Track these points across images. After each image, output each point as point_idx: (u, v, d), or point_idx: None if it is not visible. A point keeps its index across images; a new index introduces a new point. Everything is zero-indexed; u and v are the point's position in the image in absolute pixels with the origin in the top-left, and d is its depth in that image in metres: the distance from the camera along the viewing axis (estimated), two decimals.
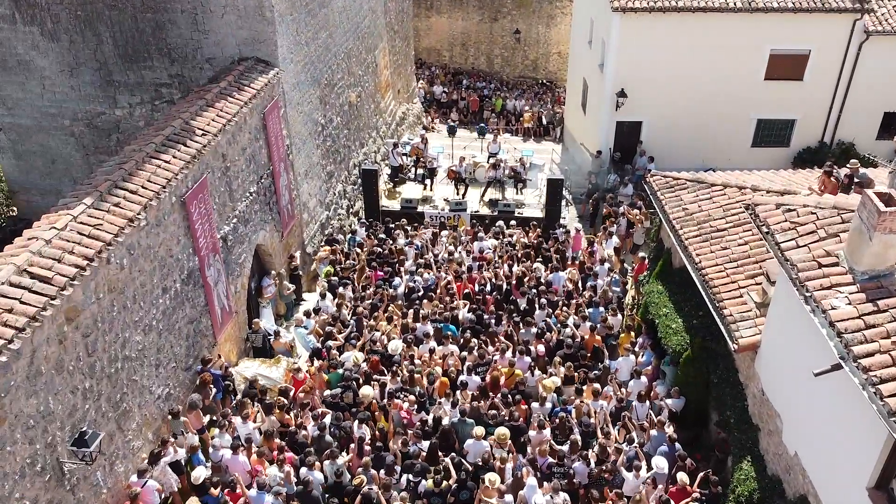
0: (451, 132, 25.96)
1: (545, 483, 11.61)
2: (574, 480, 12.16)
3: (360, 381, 13.92)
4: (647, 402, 13.70)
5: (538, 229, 19.89)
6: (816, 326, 9.00)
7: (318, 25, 19.10)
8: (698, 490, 11.67)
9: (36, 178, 19.26)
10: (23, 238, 10.07)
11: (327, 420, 12.70)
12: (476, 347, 14.87)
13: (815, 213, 10.16)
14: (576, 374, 14.25)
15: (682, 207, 15.48)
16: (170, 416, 12.00)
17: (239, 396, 13.54)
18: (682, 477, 11.84)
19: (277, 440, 12.42)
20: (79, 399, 9.83)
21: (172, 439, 11.68)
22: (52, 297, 9.17)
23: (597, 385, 13.98)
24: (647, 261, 17.55)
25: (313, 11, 18.72)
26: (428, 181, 23.25)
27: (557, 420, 13.06)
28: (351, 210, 22.71)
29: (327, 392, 13.63)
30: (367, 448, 12.31)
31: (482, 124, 30.29)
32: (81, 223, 10.40)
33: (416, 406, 13.32)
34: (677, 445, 12.42)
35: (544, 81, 38.39)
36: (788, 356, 10.76)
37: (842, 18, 21.83)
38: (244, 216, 15.05)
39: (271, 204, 16.42)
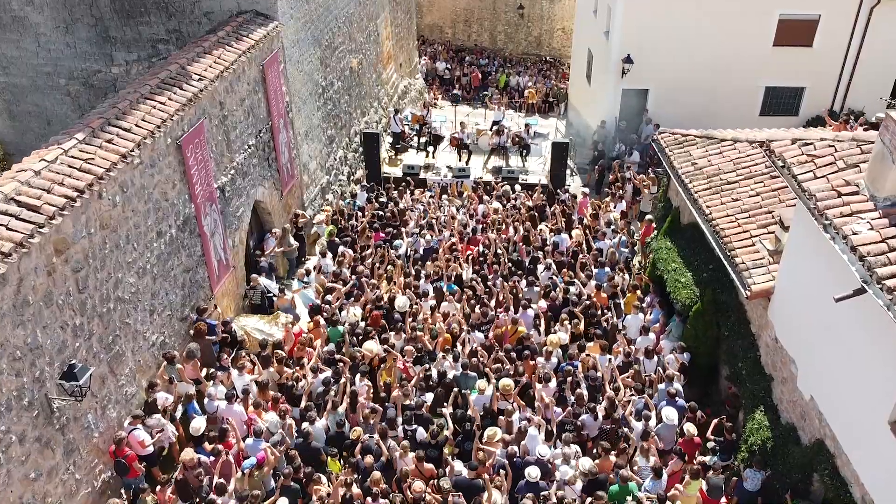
0: (455, 100, 25.56)
1: (556, 435, 11.30)
2: (583, 433, 11.85)
3: (361, 336, 13.65)
4: (656, 358, 13.36)
5: (542, 194, 19.55)
6: (836, 257, 8.64)
7: None
8: (712, 437, 11.34)
9: (31, 140, 18.83)
10: (11, 171, 9.71)
11: (326, 375, 12.37)
12: (479, 305, 14.55)
13: (832, 146, 9.79)
14: (582, 330, 13.94)
15: (692, 162, 15.16)
16: (164, 361, 11.65)
17: (238, 348, 13.20)
18: (689, 428, 11.51)
19: (273, 392, 12.10)
20: (68, 335, 9.48)
21: (161, 382, 11.36)
22: (41, 224, 8.82)
23: (604, 341, 13.63)
24: (653, 223, 17.19)
25: None
26: (430, 148, 22.86)
27: (563, 374, 12.73)
28: (352, 177, 22.35)
29: (326, 348, 13.30)
30: (362, 402, 12.00)
31: (484, 92, 29.89)
32: (72, 157, 10.03)
33: (411, 359, 12.99)
34: (679, 401, 12.06)
35: (548, 58, 37.92)
36: (804, 298, 10.41)
37: None
38: (242, 169, 14.69)
39: (270, 160, 16.05)
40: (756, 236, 12.46)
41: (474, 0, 37.89)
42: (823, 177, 9.37)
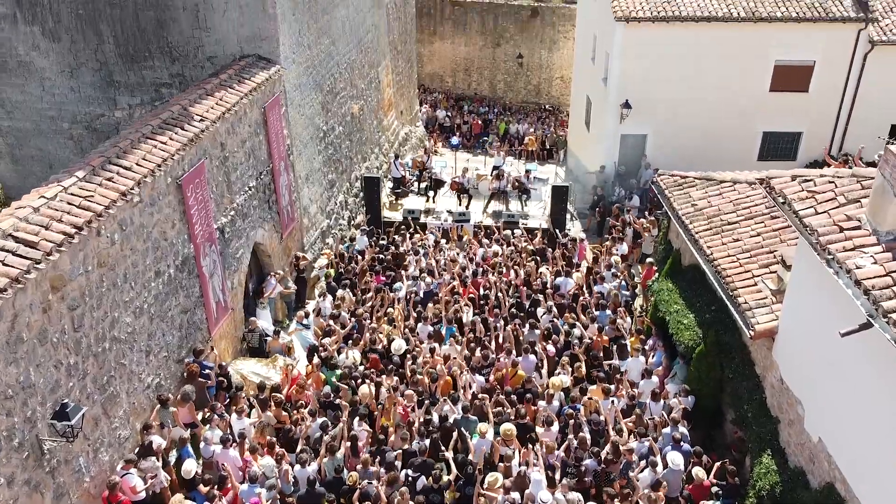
0: (455, 147, 25.75)
1: (557, 481, 11.02)
2: (585, 479, 11.57)
3: (360, 380, 13.45)
4: (661, 402, 13.13)
5: (543, 238, 19.54)
6: (840, 293, 8.54)
7: (320, 30, 19.00)
8: (715, 481, 11.06)
9: (33, 184, 18.51)
10: (10, 208, 9.69)
11: (324, 419, 12.15)
12: (479, 348, 14.39)
13: (832, 182, 9.77)
14: (584, 373, 13.75)
15: (692, 203, 15.16)
16: (158, 404, 11.44)
17: (234, 391, 12.98)
18: (697, 472, 11.23)
19: (269, 437, 11.86)
20: (62, 375, 9.33)
21: (156, 426, 11.13)
22: (37, 260, 8.75)
23: (606, 384, 13.43)
24: (654, 266, 17.12)
25: (316, 16, 18.63)
26: (431, 193, 22.94)
27: (566, 418, 12.50)
28: (352, 222, 22.36)
29: (324, 391, 13.09)
30: (361, 445, 11.76)
31: (484, 138, 30.17)
32: (72, 194, 10.04)
33: (414, 403, 12.78)
34: (684, 446, 11.79)
35: (547, 106, 38.38)
36: (808, 336, 10.27)
37: (846, 28, 21.73)
38: (242, 210, 14.69)
39: (270, 202, 16.07)
40: (758, 276, 12.37)
41: (474, 50, 38.53)
42: (824, 212, 9.33)
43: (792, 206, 9.72)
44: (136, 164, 11.14)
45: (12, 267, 8.51)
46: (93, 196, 10.15)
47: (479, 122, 35.29)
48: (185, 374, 12.38)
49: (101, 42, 16.71)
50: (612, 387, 13.38)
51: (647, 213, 21.20)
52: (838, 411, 9.59)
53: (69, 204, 9.83)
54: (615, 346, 14.62)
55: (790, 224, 13.03)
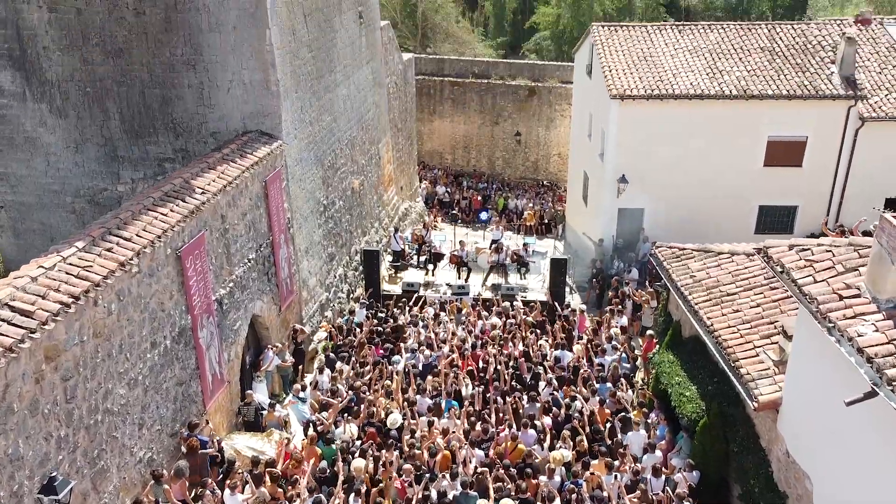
0: (454, 220, 25.98)
1: None
2: None
3: (357, 454, 13.15)
4: (663, 477, 12.80)
5: (543, 310, 19.47)
6: (842, 361, 8.45)
7: (322, 108, 19.45)
8: None
9: (34, 257, 18.80)
10: (8, 278, 9.69)
11: (319, 496, 11.83)
12: (479, 422, 14.14)
13: (830, 251, 9.80)
14: (587, 447, 13.46)
15: (690, 275, 15.18)
16: (152, 480, 11.14)
17: (227, 466, 12.67)
18: None
19: None
20: (52, 447, 9.12)
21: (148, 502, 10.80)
22: (32, 329, 8.69)
23: (609, 458, 13.12)
24: (655, 338, 17.01)
25: (318, 94, 19.11)
26: (430, 266, 23.00)
27: (567, 493, 12.16)
28: (351, 295, 22.33)
29: (320, 465, 12.79)
30: None
31: (484, 210, 30.45)
32: (71, 264, 10.06)
33: (412, 478, 12.45)
34: None
35: (545, 182, 38.93)
36: (813, 407, 10.10)
37: (836, 105, 22.24)
38: (241, 282, 14.69)
39: (270, 275, 16.09)
40: (759, 347, 12.27)
41: (473, 128, 39.36)
42: (823, 280, 9.33)
43: (790, 275, 9.72)
44: (136, 235, 11.20)
45: (7, 336, 8.44)
46: (91, 266, 10.16)
47: (479, 197, 35.72)
48: (184, 448, 12.09)
49: (106, 118, 17.06)
50: (616, 462, 13.07)
51: (646, 284, 21.20)
52: (848, 484, 9.34)
53: (67, 274, 9.83)
54: (617, 420, 14.36)
55: (790, 295, 13.04)
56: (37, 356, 8.81)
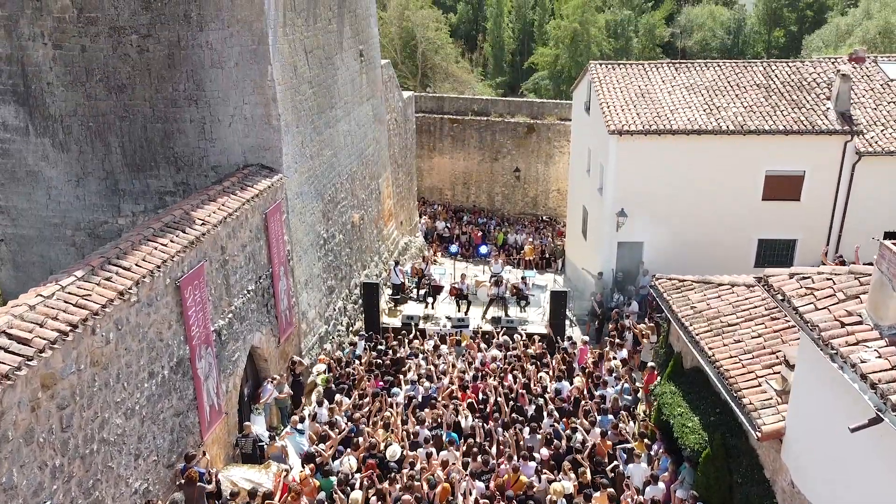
0: (454, 255, 26.02)
1: None
2: None
3: (355, 486, 12.99)
4: None
5: (542, 343, 19.39)
6: (845, 389, 8.39)
7: (322, 142, 19.61)
8: None
9: None
10: (7, 306, 9.66)
11: None
12: (480, 453, 13.97)
13: (830, 279, 9.79)
14: (589, 479, 13.29)
15: (691, 306, 15.13)
16: None
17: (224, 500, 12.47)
18: None
19: None
20: (46, 477, 9.00)
21: None
22: (29, 357, 8.63)
23: (611, 490, 12.93)
24: (656, 371, 16.90)
25: (319, 129, 19.30)
26: (430, 299, 22.96)
27: None
28: (351, 328, 22.25)
29: (318, 497, 12.61)
30: None
31: (483, 244, 30.49)
32: (69, 293, 10.03)
33: None
34: None
35: (544, 217, 39.06)
36: (817, 436, 9.98)
37: (833, 140, 22.43)
38: (240, 313, 14.64)
39: (269, 307, 16.04)
40: (762, 377, 12.17)
41: (472, 164, 39.64)
42: (824, 308, 9.30)
43: (791, 303, 9.69)
44: (136, 265, 11.20)
45: (3, 364, 8.38)
46: (90, 295, 10.14)
47: (479, 232, 35.82)
48: (183, 479, 11.92)
49: (108, 152, 17.18)
50: (620, 493, 12.88)
51: (646, 318, 21.13)
52: None
53: (65, 302, 9.80)
54: (619, 450, 14.20)
55: (791, 325, 13.00)
56: (33, 384, 8.74)
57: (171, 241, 12.20)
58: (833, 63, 25.25)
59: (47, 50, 16.54)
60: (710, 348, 13.40)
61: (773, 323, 13.37)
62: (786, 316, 13.35)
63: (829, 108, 22.96)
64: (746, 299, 14.57)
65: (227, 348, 14.12)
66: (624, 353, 19.03)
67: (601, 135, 23.85)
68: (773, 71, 24.79)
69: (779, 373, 11.85)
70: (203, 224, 13.14)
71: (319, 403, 15.77)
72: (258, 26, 15.89)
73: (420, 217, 35.96)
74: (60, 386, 9.23)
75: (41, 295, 9.77)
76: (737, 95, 23.78)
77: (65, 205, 17.82)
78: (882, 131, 22.86)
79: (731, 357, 12.91)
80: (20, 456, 8.54)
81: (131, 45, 16.30)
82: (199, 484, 11.89)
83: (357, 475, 13.36)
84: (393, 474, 13.31)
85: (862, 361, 8.08)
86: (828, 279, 9.86)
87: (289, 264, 17.17)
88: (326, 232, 20.24)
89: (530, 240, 34.69)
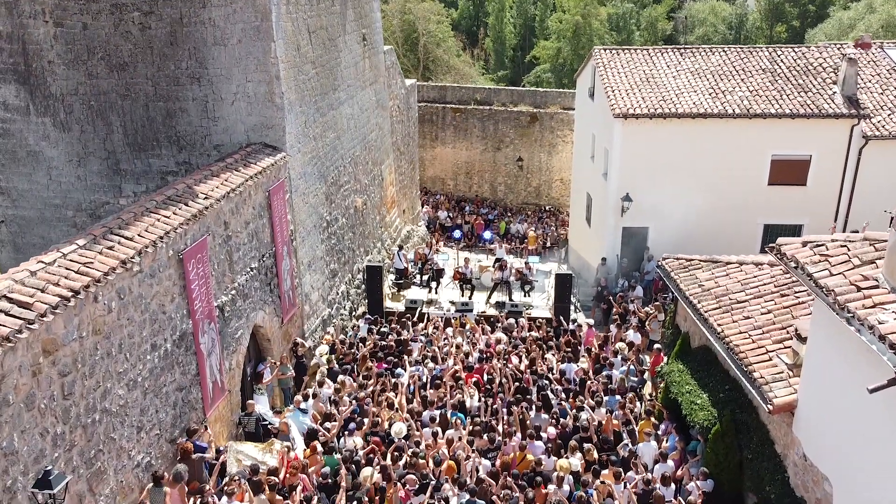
0: (457, 241, 25.86)
1: None
2: None
3: (362, 462, 12.83)
4: (673, 485, 12.47)
5: (548, 327, 19.25)
6: (862, 353, 8.24)
7: (325, 124, 19.45)
8: None
9: None
10: (8, 273, 9.50)
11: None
12: (485, 431, 13.82)
13: (845, 246, 9.63)
14: (596, 457, 13.15)
15: (699, 284, 14.98)
16: (150, 483, 10.80)
17: (227, 477, 12.31)
18: None
19: None
20: (48, 444, 8.84)
21: None
22: (30, 321, 8.48)
23: (619, 468, 12.79)
24: (662, 352, 16.75)
25: (322, 110, 19.13)
26: (433, 284, 22.80)
27: (577, 502, 11.80)
28: (354, 313, 22.09)
29: (324, 469, 12.47)
30: None
31: (485, 232, 30.34)
32: (71, 260, 9.87)
33: (416, 487, 12.11)
34: None
35: (547, 207, 38.88)
36: (830, 406, 9.83)
37: (839, 124, 22.26)
38: (243, 290, 14.48)
39: (272, 286, 15.88)
40: (772, 352, 12.01)
41: (475, 154, 39.44)
42: (839, 274, 9.14)
43: (806, 270, 9.53)
44: (138, 235, 11.04)
45: (4, 326, 8.22)
46: (92, 263, 9.98)
47: (482, 221, 35.66)
48: (178, 453, 11.77)
49: (110, 132, 17.01)
50: (626, 472, 12.73)
51: (650, 303, 20.98)
52: (869, 483, 9.03)
53: (67, 269, 9.64)
54: (626, 431, 14.05)
55: (801, 300, 12.86)
56: (34, 349, 8.58)
57: (174, 214, 12.04)
58: (839, 49, 25.06)
59: (48, 28, 16.37)
60: (719, 325, 13.25)
61: (783, 299, 13.20)
62: (796, 291, 13.25)
63: (835, 93, 22.78)
64: (755, 277, 14.41)
65: (231, 325, 13.96)
66: (631, 334, 18.88)
67: (606, 120, 23.68)
68: (778, 56, 24.62)
69: (790, 347, 11.69)
70: (206, 198, 12.98)
71: (321, 384, 15.59)
72: (261, 3, 15.70)
73: (422, 207, 35.79)
74: (62, 352, 9.07)
75: (42, 262, 9.61)
76: (742, 80, 23.62)
77: (66, 185, 17.65)
78: (889, 115, 22.71)
79: (741, 333, 12.75)
80: (21, 421, 8.39)
81: (133, 23, 16.13)
82: (195, 455, 11.73)
83: (361, 452, 13.21)
84: (397, 452, 13.14)
85: (880, 323, 7.92)
86: (842, 246, 9.70)
87: (292, 244, 17.01)
88: (329, 215, 20.08)
89: (533, 229, 34.51)
